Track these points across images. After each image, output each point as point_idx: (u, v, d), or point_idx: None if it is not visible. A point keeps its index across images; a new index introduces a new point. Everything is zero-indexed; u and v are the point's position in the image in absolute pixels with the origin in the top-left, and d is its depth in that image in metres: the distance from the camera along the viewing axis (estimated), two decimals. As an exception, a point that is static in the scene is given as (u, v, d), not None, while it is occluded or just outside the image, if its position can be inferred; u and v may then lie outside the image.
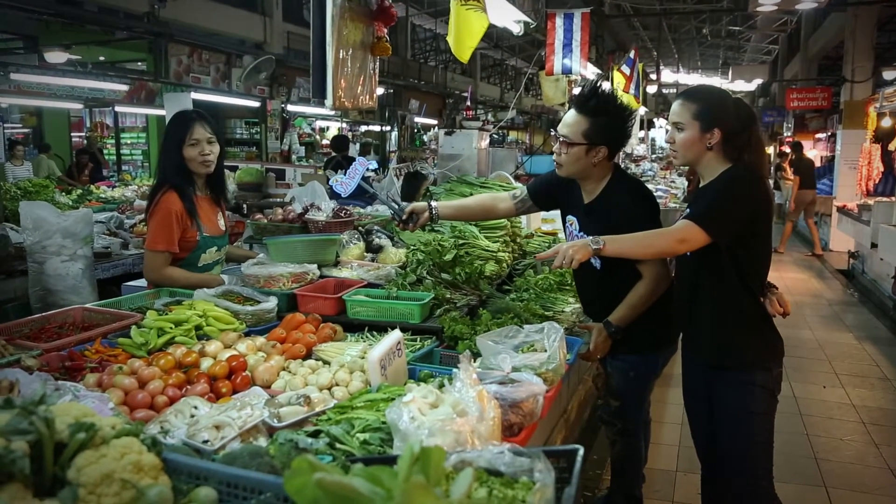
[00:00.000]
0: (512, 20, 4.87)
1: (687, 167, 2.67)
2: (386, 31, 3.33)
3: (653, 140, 19.15)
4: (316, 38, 3.00)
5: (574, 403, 3.81)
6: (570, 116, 2.77)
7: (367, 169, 3.08)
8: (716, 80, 24.55)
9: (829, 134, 15.99)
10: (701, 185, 2.57)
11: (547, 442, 3.00)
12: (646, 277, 2.76)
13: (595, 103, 2.73)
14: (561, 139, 2.75)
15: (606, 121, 2.74)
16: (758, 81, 20.51)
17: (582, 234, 2.85)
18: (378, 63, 3.45)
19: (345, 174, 4.69)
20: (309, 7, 3.09)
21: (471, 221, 3.96)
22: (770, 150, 19.70)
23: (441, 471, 1.10)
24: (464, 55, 3.61)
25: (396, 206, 3.12)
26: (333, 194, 5.63)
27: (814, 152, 17.29)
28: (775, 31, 20.07)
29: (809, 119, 17.77)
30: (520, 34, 5.12)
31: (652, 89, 16.83)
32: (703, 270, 2.54)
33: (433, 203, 3.09)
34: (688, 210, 2.50)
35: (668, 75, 22.88)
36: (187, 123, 3.19)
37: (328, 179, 7.59)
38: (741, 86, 19.26)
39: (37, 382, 1.92)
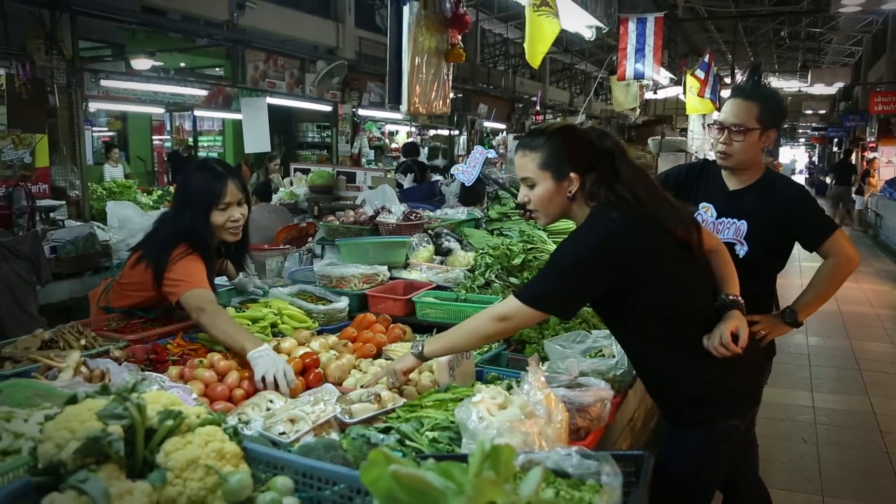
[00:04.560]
0: (584, 25, 4.85)
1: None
2: (459, 37, 3.37)
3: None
4: (393, 46, 3.04)
5: (640, 412, 3.75)
6: (735, 105, 2.72)
7: (486, 157, 3.11)
8: (794, 84, 23.76)
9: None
10: None
11: (613, 448, 2.97)
12: (832, 257, 2.64)
13: (763, 88, 2.73)
14: (734, 128, 2.68)
15: (775, 104, 2.73)
16: (839, 84, 19.75)
17: (722, 219, 2.79)
18: (451, 69, 3.49)
19: (465, 164, 4.75)
20: (380, 13, 3.15)
21: None
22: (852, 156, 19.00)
23: (511, 469, 1.12)
24: (535, 60, 3.62)
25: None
26: (403, 197, 5.72)
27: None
28: (859, 32, 19.28)
29: (895, 124, 17.01)
30: (592, 39, 5.09)
31: (726, 93, 16.39)
32: (608, 322, 2.24)
33: None
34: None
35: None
36: (219, 184, 2.65)
37: (398, 182, 7.72)
38: (821, 89, 18.57)
39: (125, 372, 2.03)
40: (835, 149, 28.46)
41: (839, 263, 2.64)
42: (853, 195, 16.16)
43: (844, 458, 4.31)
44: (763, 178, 2.78)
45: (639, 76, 7.19)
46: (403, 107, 3.18)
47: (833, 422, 4.88)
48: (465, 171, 3.29)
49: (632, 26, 7.01)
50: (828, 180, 25.60)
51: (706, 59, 9.25)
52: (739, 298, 2.13)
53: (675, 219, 2.01)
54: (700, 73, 9.03)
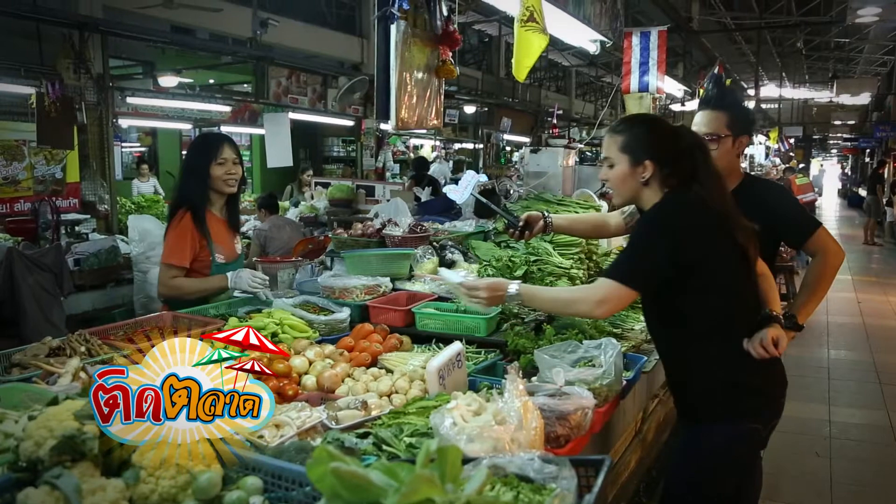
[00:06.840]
0: (587, 39, 4.90)
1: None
2: (451, 54, 3.44)
3: (751, 157, 18.47)
4: (380, 63, 3.14)
5: (651, 424, 3.74)
6: (705, 116, 2.84)
7: (479, 181, 3.24)
8: (824, 94, 23.46)
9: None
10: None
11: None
12: (818, 254, 2.73)
13: (730, 97, 2.85)
14: (707, 138, 2.73)
15: (742, 112, 2.84)
16: (865, 95, 19.44)
17: None
18: (443, 84, 3.57)
19: (457, 183, 4.85)
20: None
21: (582, 237, 3.94)
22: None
23: (457, 469, 1.16)
24: (521, 74, 3.69)
25: (512, 217, 3.18)
26: (420, 210, 5.80)
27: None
28: (890, 41, 18.98)
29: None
30: (595, 53, 5.14)
31: (750, 105, 16.23)
32: (648, 315, 2.43)
33: (548, 213, 3.13)
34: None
35: (772, 89, 22.04)
36: (217, 142, 3.37)
37: (416, 196, 7.80)
38: (847, 99, 18.29)
39: (123, 379, 2.11)
40: (867, 160, 27.99)
41: (826, 260, 2.72)
42: (884, 207, 15.91)
43: (857, 473, 4.27)
44: (743, 183, 2.87)
45: (644, 88, 7.24)
46: (391, 122, 3.27)
47: (848, 436, 4.82)
48: (457, 191, 3.41)
49: (636, 40, 7.09)
50: (861, 192, 25.22)
51: (715, 70, 9.25)
52: (781, 315, 2.27)
53: (739, 224, 2.17)
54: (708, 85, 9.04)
